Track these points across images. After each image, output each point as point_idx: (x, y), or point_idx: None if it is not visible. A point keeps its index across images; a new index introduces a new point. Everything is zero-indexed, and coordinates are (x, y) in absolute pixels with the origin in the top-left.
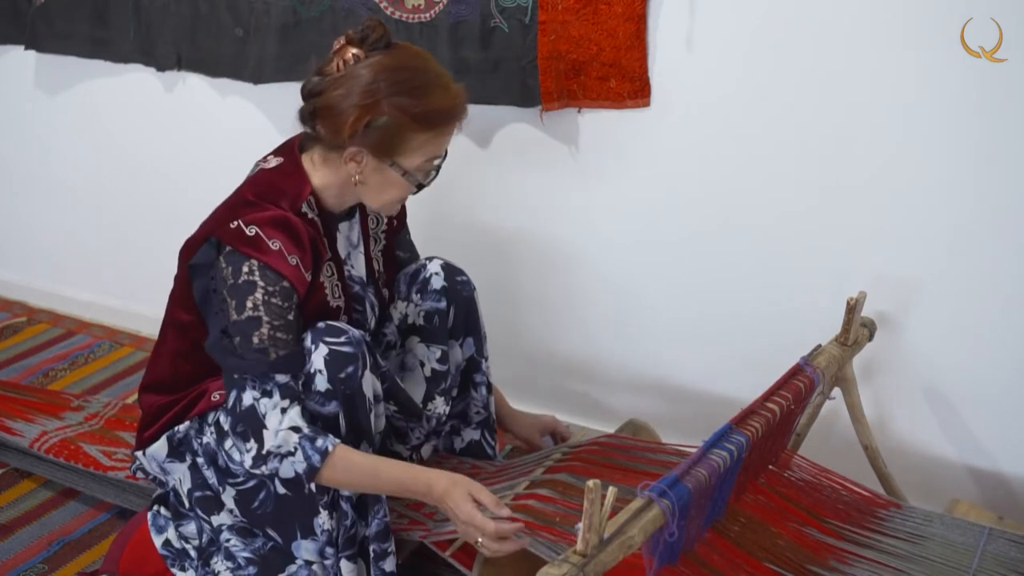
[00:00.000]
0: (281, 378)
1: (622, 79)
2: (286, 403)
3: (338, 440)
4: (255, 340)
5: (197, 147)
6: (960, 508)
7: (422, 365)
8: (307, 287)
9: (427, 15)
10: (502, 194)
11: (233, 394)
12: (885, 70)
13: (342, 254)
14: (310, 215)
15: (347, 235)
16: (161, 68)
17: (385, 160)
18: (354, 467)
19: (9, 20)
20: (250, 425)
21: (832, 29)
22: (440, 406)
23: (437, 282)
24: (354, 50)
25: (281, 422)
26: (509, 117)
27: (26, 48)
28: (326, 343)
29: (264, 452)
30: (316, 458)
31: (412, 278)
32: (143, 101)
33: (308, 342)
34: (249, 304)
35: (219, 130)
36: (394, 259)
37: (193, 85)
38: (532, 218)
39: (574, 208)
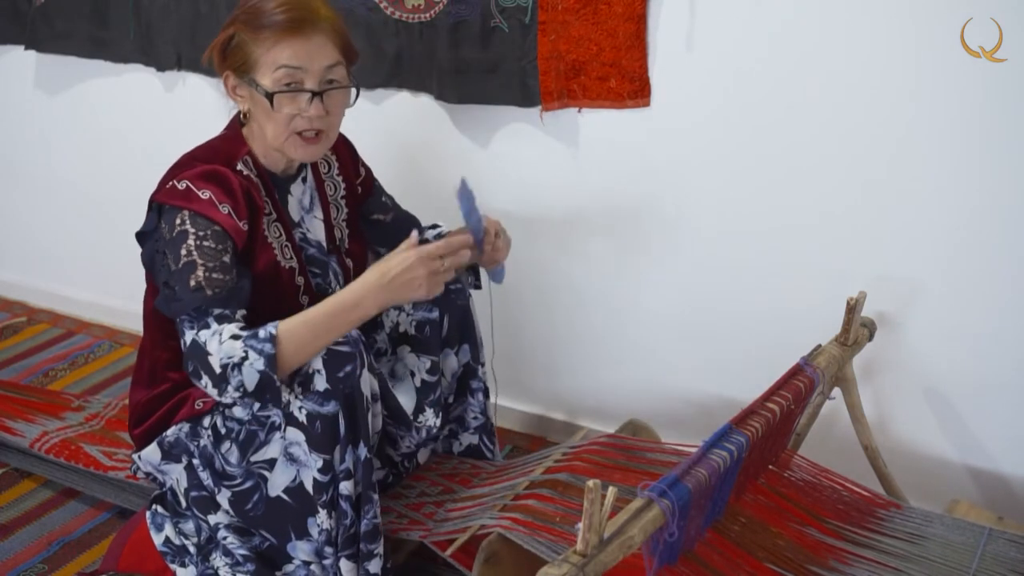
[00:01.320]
0: (216, 311)
1: (622, 79)
2: (222, 327)
3: (276, 322)
4: (191, 283)
5: None
6: (960, 508)
7: (412, 375)
8: (245, 237)
9: (427, 15)
10: (501, 194)
11: (181, 341)
12: (885, 70)
13: (295, 217)
14: (246, 172)
15: (299, 198)
16: (161, 68)
17: (246, 80)
18: (297, 331)
19: (9, 20)
20: (198, 359)
21: (832, 29)
22: (431, 418)
23: None
24: None
25: (222, 343)
26: (509, 117)
27: (26, 48)
28: None
29: (218, 372)
30: (268, 347)
31: None
32: (143, 101)
33: None
34: (183, 251)
35: (219, 130)
36: (368, 224)
37: (193, 85)
38: (531, 218)
39: (573, 208)
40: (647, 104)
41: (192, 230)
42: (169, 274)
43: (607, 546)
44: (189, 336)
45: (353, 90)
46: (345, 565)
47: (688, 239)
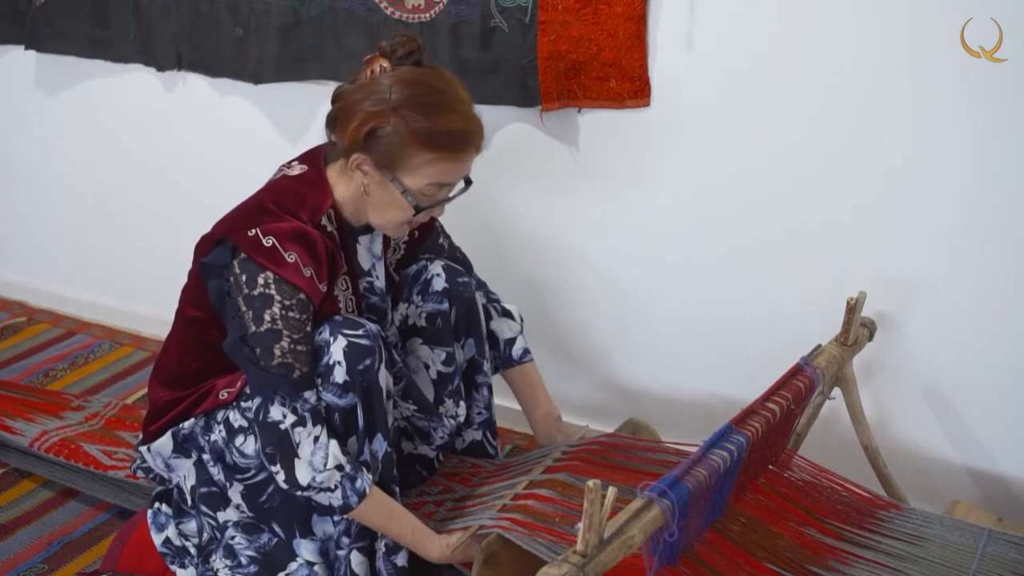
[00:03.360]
0: (310, 398)
1: (622, 79)
2: (318, 430)
3: (373, 482)
4: (276, 353)
5: (197, 147)
6: (960, 509)
7: (427, 368)
8: (322, 298)
9: (427, 15)
10: (501, 194)
11: (258, 402)
12: (885, 70)
13: (364, 266)
14: (329, 228)
15: (368, 247)
16: (161, 68)
17: (387, 174)
18: (382, 506)
19: (9, 20)
20: (281, 450)
21: (832, 29)
22: (452, 408)
23: (439, 283)
24: (383, 62)
25: (315, 454)
26: (509, 117)
27: (26, 48)
28: (344, 335)
29: (303, 483)
30: (354, 499)
31: (413, 279)
32: (143, 101)
33: (327, 334)
34: (267, 317)
35: (219, 130)
36: (410, 263)
37: (193, 85)
38: (532, 218)
39: (574, 208)
40: (647, 104)
41: (278, 297)
42: (248, 333)
43: (607, 546)
44: (275, 413)
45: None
46: (356, 557)
47: (688, 239)
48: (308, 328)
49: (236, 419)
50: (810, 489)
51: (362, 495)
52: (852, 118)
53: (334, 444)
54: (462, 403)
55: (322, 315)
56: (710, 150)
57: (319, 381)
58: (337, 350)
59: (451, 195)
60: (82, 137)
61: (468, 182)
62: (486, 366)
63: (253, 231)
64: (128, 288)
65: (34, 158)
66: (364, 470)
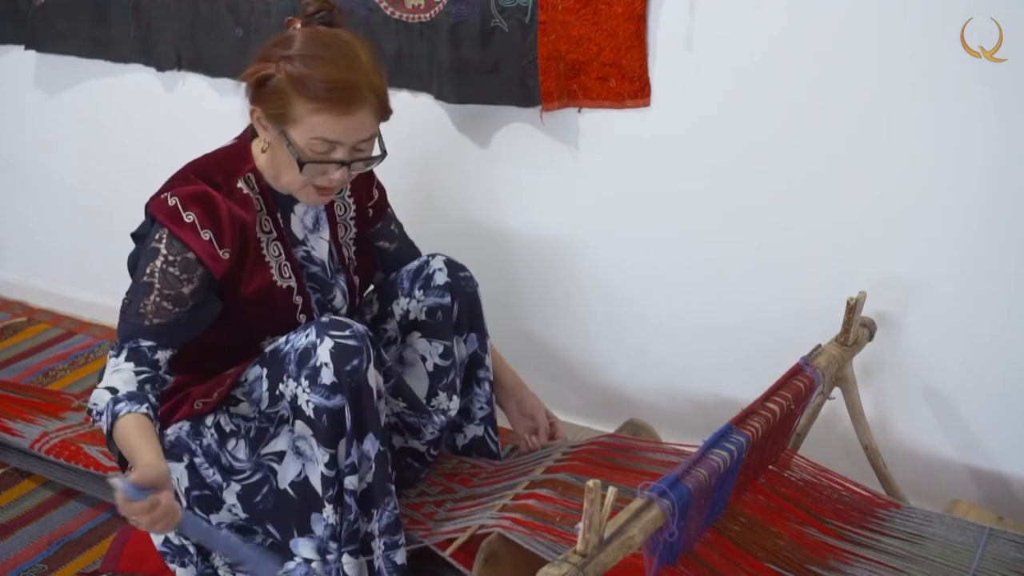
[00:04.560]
0: (143, 344)
1: (622, 79)
2: (129, 366)
3: (138, 409)
4: (140, 306)
5: (197, 147)
6: (960, 508)
7: (423, 360)
8: (226, 265)
9: (427, 15)
10: (502, 194)
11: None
12: (884, 70)
13: (298, 235)
14: (245, 190)
15: (301, 217)
16: (161, 68)
17: (276, 127)
18: (124, 433)
19: (9, 20)
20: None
21: (831, 30)
22: (444, 402)
23: (440, 278)
24: (298, 23)
25: (109, 379)
26: (509, 117)
27: (26, 48)
28: (331, 336)
29: (89, 405)
30: (110, 421)
31: (415, 274)
32: (143, 101)
33: (313, 336)
34: (148, 269)
35: (219, 130)
36: (375, 250)
37: (193, 85)
38: (532, 218)
39: (574, 208)
40: (647, 104)
41: (164, 252)
42: (131, 283)
43: (607, 546)
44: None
45: (377, 154)
46: (348, 561)
47: (688, 237)
48: (184, 289)
49: (227, 423)
50: (810, 489)
51: (115, 418)
52: (851, 118)
53: (127, 370)
54: (456, 398)
55: (251, 283)
56: (710, 150)
57: (306, 383)
58: (324, 352)
59: (349, 160)
60: (82, 137)
61: (383, 153)
62: (487, 361)
63: (165, 195)
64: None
65: (34, 158)
66: (138, 403)
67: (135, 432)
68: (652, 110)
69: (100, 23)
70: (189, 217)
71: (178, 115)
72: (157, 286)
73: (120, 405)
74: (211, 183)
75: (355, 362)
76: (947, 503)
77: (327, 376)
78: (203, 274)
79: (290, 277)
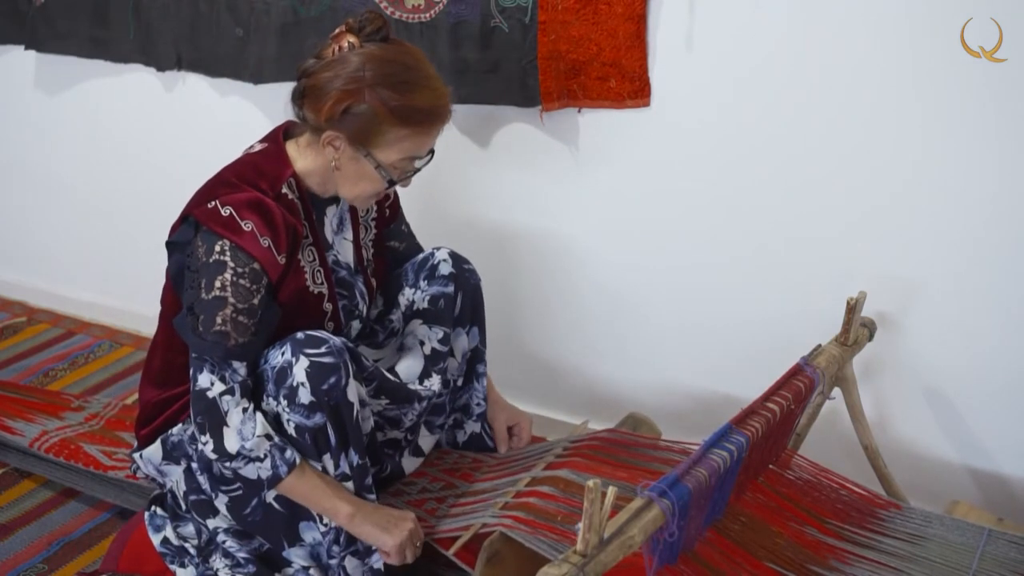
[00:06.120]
0: (240, 370)
1: (622, 79)
2: (246, 403)
3: (301, 456)
4: (217, 321)
5: (197, 147)
6: (960, 509)
7: (422, 344)
8: (281, 270)
9: (427, 15)
10: (501, 194)
11: (191, 373)
12: (884, 70)
13: (328, 239)
14: (290, 196)
15: (331, 219)
16: (161, 68)
17: (360, 150)
18: (308, 480)
19: (9, 20)
20: (209, 418)
21: (831, 30)
22: (435, 384)
23: (445, 268)
24: (351, 38)
25: (244, 423)
26: (509, 117)
27: (26, 48)
28: (306, 355)
29: (231, 451)
30: (283, 469)
31: (419, 265)
32: (143, 101)
33: (288, 354)
34: (218, 284)
35: (219, 130)
36: (385, 249)
37: (193, 85)
38: (532, 218)
39: (574, 208)
40: (647, 104)
41: (231, 264)
42: (197, 300)
43: (607, 546)
44: (203, 380)
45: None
46: (350, 563)
47: (688, 237)
48: (256, 300)
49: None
50: (810, 489)
51: (292, 465)
52: (851, 118)
53: (261, 416)
54: (446, 383)
55: (287, 286)
56: (710, 150)
57: (284, 403)
58: (300, 371)
59: (418, 166)
60: (82, 137)
61: (432, 151)
62: (486, 356)
63: (212, 203)
64: (128, 288)
65: (34, 158)
66: (294, 448)
67: (323, 478)
68: (652, 110)
69: (100, 23)
70: (248, 225)
71: (178, 115)
72: (231, 300)
73: (289, 452)
74: (258, 189)
75: (332, 380)
76: (947, 504)
77: (304, 396)
78: (266, 283)
79: (322, 283)
